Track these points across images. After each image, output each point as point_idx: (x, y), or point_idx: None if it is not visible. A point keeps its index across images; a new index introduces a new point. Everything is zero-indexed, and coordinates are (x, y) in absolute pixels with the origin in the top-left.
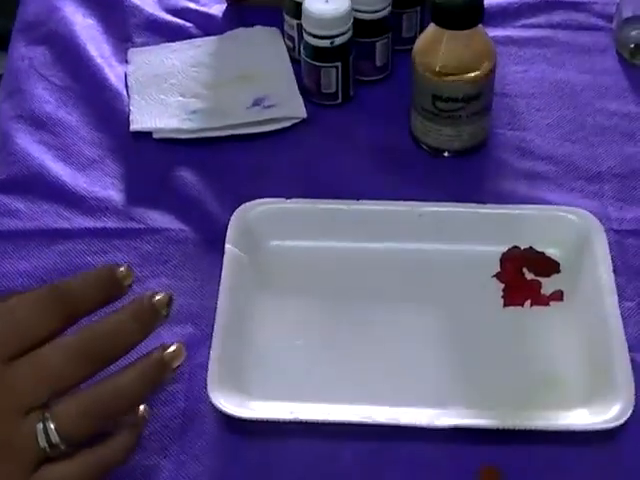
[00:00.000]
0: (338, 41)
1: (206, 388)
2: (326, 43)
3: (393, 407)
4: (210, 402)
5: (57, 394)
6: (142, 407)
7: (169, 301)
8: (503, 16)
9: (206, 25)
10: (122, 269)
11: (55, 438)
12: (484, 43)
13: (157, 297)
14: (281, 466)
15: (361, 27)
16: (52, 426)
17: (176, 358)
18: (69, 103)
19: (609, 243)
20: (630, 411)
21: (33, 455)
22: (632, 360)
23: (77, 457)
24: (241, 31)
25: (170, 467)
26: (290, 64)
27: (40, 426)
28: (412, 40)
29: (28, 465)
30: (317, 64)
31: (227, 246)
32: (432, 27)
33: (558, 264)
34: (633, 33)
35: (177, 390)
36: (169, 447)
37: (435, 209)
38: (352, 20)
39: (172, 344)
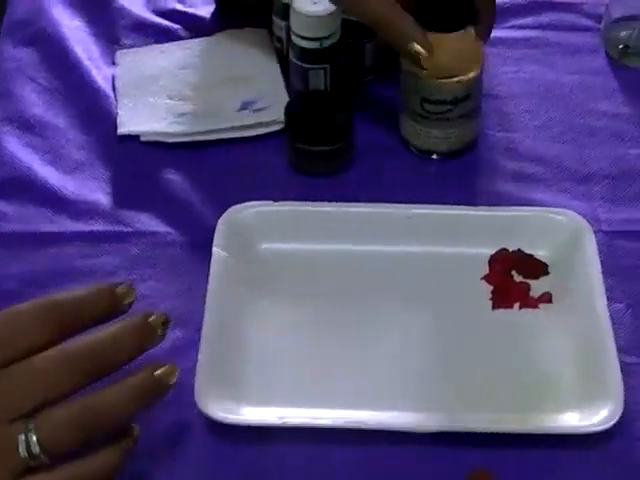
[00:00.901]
0: (327, 43)
1: (194, 393)
2: (315, 45)
3: (382, 411)
4: (198, 408)
5: (45, 404)
6: (133, 426)
7: (165, 321)
8: None
9: (194, 27)
10: (123, 287)
11: (36, 449)
12: (473, 45)
13: (153, 317)
14: (270, 471)
15: (350, 28)
16: (34, 438)
17: (167, 378)
18: (57, 105)
19: (598, 244)
20: (620, 413)
21: (15, 463)
22: (622, 362)
23: (60, 470)
24: (229, 33)
25: (159, 473)
26: (278, 66)
27: (22, 437)
28: None
29: (10, 472)
30: (306, 66)
31: (215, 249)
32: None
33: (547, 266)
34: (622, 34)
35: (168, 392)
36: (157, 452)
37: (424, 211)
38: (341, 21)
39: (165, 363)
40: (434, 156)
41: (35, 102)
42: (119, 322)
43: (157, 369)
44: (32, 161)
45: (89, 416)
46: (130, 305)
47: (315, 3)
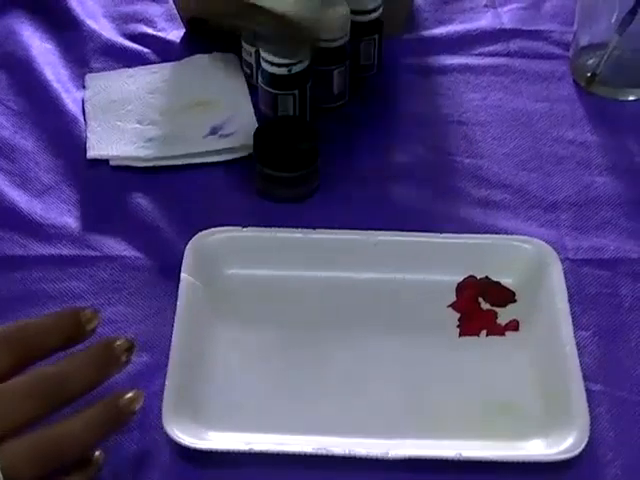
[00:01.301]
0: (296, 69)
1: (161, 418)
2: (283, 71)
3: (348, 438)
4: (165, 432)
5: (5, 435)
6: (97, 453)
7: (130, 347)
8: (460, 44)
9: (164, 51)
10: (87, 312)
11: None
12: None
13: (118, 342)
14: None
15: (319, 55)
16: None
17: (132, 404)
18: (25, 128)
19: (565, 272)
20: (585, 441)
21: None
22: (587, 390)
23: None
24: (199, 57)
25: None
26: (247, 91)
27: None
28: (370, 68)
29: None
30: (274, 91)
31: (183, 274)
32: None
33: (514, 294)
34: (589, 62)
35: (132, 420)
36: (123, 477)
37: (390, 238)
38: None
39: (130, 390)
40: None
41: (3, 125)
42: (82, 350)
43: (122, 396)
44: (0, 184)
45: (52, 446)
46: (94, 330)
47: None
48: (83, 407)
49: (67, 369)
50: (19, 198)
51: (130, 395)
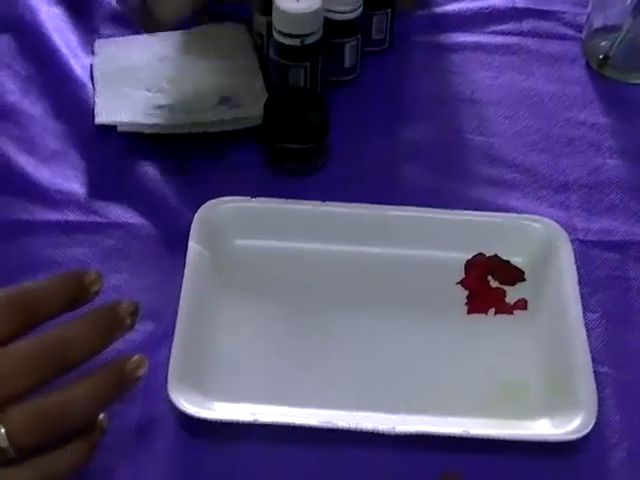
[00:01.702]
0: (308, 40)
1: (166, 387)
2: (296, 42)
3: (354, 412)
4: (169, 402)
5: (9, 400)
6: (101, 416)
7: (135, 310)
8: (472, 22)
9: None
10: (91, 274)
11: (4, 443)
12: None
13: (122, 305)
14: (240, 468)
15: (331, 28)
16: (2, 430)
17: (137, 370)
18: (33, 93)
19: (574, 254)
20: (593, 423)
21: None
22: (594, 372)
23: (28, 464)
24: (210, 27)
25: (128, 466)
26: (258, 62)
27: None
28: (382, 42)
29: None
30: (286, 63)
31: (190, 244)
32: None
33: (523, 273)
34: (602, 44)
35: (136, 389)
36: (127, 446)
37: (401, 213)
38: (323, 20)
39: (134, 355)
40: None
41: (11, 89)
42: (86, 313)
43: (126, 361)
44: (7, 149)
45: (56, 413)
46: (98, 292)
47: (298, 1)
48: (87, 373)
49: (70, 333)
50: (26, 163)
51: (135, 360)
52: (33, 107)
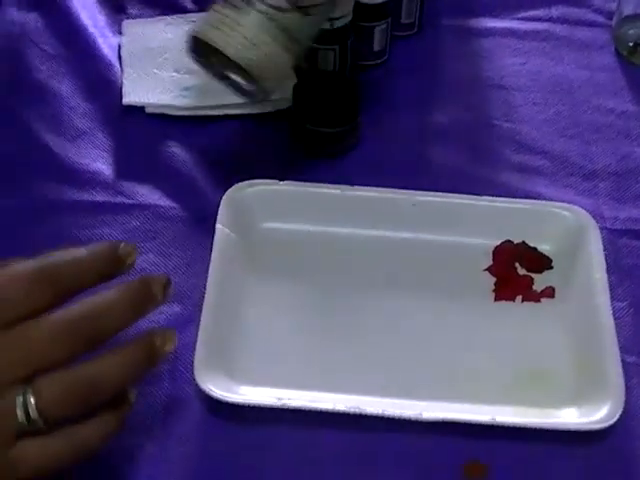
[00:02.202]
0: (338, 23)
1: (192, 370)
2: (325, 25)
3: (380, 398)
4: (195, 384)
5: (40, 371)
6: (129, 391)
7: (166, 284)
8: (502, 7)
9: (202, 0)
10: (126, 246)
11: (34, 413)
12: None
13: (154, 279)
14: (266, 452)
15: (361, 11)
16: (32, 400)
17: (166, 344)
18: (60, 72)
19: (602, 242)
20: (620, 412)
21: (12, 428)
22: (622, 361)
23: (57, 434)
24: None
25: (153, 448)
26: None
27: (20, 399)
28: (411, 26)
29: (7, 437)
30: (315, 46)
31: (218, 226)
32: None
33: (550, 260)
34: (632, 31)
35: (162, 370)
36: (152, 428)
37: (429, 199)
38: (353, 3)
39: (164, 329)
40: None
41: (39, 68)
42: (118, 285)
43: (156, 336)
44: (34, 127)
45: (86, 386)
46: (132, 264)
47: None
48: (116, 346)
49: (102, 306)
50: (52, 142)
51: (165, 333)
52: (60, 86)
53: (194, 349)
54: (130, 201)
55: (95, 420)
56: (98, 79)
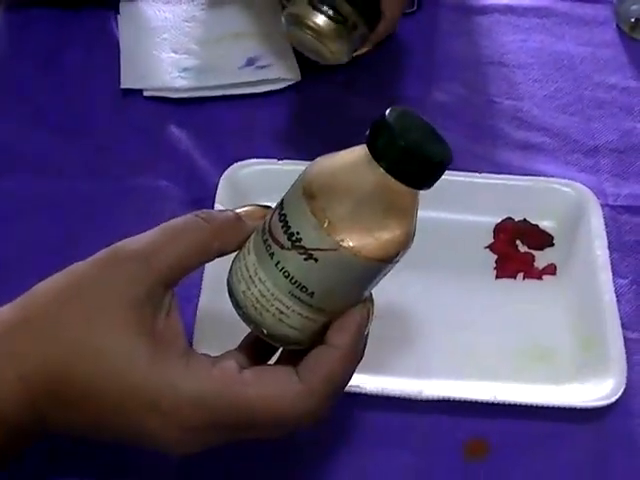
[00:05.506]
0: None
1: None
2: None
3: (381, 376)
4: None
5: None
6: None
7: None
8: None
9: None
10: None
11: None
12: None
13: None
14: None
15: None
16: None
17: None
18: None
19: (604, 219)
20: (622, 389)
21: None
22: (624, 338)
23: None
24: None
25: None
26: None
27: None
28: (411, 4)
29: None
30: None
31: (216, 205)
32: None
33: (552, 237)
34: (634, 7)
35: None
36: None
37: None
38: None
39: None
40: None
41: (37, 51)
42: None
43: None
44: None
45: None
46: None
47: None
48: None
49: None
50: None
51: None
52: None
53: (193, 330)
54: (129, 183)
55: None
56: (95, 61)
